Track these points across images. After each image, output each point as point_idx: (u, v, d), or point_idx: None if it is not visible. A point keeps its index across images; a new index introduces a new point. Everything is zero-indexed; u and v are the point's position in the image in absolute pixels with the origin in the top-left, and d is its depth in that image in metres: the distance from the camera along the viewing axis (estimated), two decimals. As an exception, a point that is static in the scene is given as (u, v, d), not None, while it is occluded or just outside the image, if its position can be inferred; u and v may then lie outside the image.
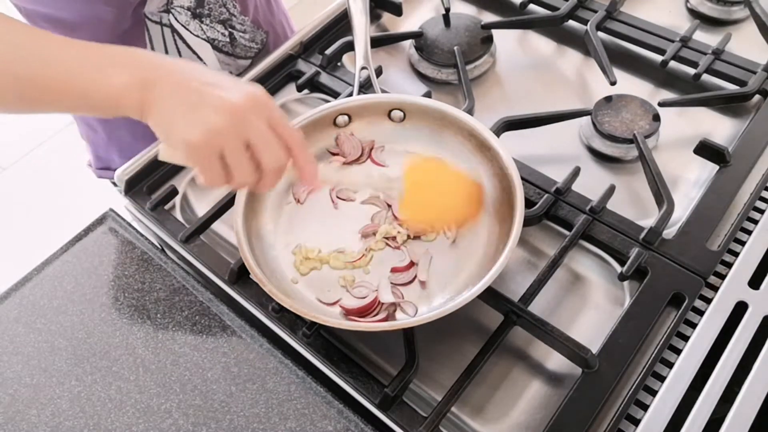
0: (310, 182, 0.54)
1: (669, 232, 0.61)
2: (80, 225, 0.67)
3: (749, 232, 0.60)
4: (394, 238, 0.61)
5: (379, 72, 0.78)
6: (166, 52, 0.80)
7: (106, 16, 0.72)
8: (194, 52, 0.82)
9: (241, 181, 0.49)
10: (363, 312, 0.57)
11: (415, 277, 0.59)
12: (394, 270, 0.59)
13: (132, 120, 0.50)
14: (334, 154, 0.68)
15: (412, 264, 0.59)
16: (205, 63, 0.84)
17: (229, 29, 0.83)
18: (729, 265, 0.58)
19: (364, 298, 0.58)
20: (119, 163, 0.71)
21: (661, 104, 0.71)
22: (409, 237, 0.61)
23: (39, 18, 0.73)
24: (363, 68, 0.72)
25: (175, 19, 0.77)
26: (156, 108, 0.47)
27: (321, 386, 0.55)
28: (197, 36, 0.80)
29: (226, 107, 0.46)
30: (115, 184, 0.74)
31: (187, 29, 0.79)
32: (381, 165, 0.67)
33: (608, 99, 0.72)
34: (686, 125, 0.72)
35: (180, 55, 0.81)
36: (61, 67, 0.49)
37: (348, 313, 0.57)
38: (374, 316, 0.57)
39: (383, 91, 0.72)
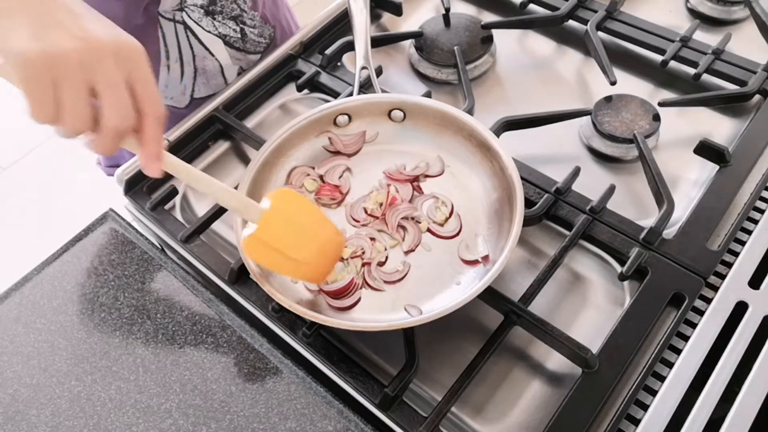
0: (147, 163, 0.46)
1: (669, 232, 0.61)
2: (80, 225, 0.67)
3: (749, 232, 0.60)
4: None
5: (379, 72, 0.78)
6: (179, 47, 0.81)
7: (116, 12, 0.72)
8: (206, 48, 0.83)
9: (71, 125, 0.42)
10: (339, 294, 0.58)
11: (404, 276, 0.60)
12: (380, 263, 0.61)
13: None
14: (332, 152, 0.68)
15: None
16: (217, 58, 0.85)
17: (240, 25, 0.84)
18: (729, 265, 0.58)
19: (342, 280, 0.59)
20: (129, 159, 0.71)
21: (661, 104, 0.71)
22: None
23: None
24: (363, 68, 0.72)
25: (188, 16, 0.78)
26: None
27: (321, 386, 0.55)
28: (209, 32, 0.81)
29: (81, 37, 0.40)
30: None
31: (200, 26, 0.80)
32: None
33: (608, 99, 0.72)
34: (686, 125, 0.72)
35: (192, 51, 0.82)
36: None
37: (327, 294, 0.58)
38: (347, 298, 0.58)
39: (383, 91, 0.72)
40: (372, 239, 0.62)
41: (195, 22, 0.79)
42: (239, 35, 0.84)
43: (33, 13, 0.40)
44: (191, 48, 0.82)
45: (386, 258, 0.61)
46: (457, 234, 0.62)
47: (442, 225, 0.62)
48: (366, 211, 0.64)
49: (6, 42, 0.40)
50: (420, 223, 0.62)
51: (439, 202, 0.64)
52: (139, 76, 0.43)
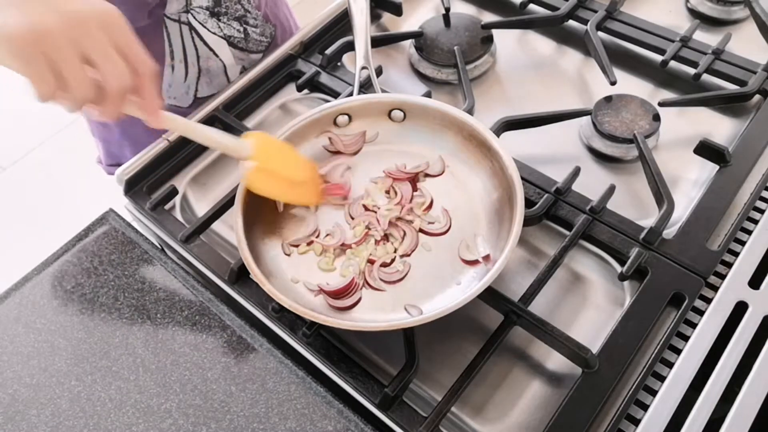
0: (152, 116, 0.49)
1: (669, 232, 0.61)
2: (80, 225, 0.67)
3: (749, 232, 0.60)
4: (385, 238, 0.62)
5: (379, 72, 0.78)
6: (183, 48, 0.81)
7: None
8: (211, 49, 0.83)
9: (75, 94, 0.44)
10: (339, 294, 0.58)
11: (404, 276, 0.59)
12: (383, 264, 0.60)
13: None
14: (332, 152, 0.68)
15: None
16: (221, 59, 0.85)
17: (244, 25, 0.84)
18: (729, 265, 0.58)
19: (344, 277, 0.59)
20: (131, 158, 0.71)
21: (661, 104, 0.71)
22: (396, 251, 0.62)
23: None
24: (363, 68, 0.72)
25: (194, 18, 0.78)
26: None
27: (321, 386, 0.55)
28: (215, 34, 0.82)
29: (64, 11, 0.43)
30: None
31: (205, 27, 0.80)
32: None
33: (608, 99, 0.72)
34: (686, 125, 0.72)
35: (197, 51, 0.83)
36: None
37: (327, 294, 0.58)
38: (348, 298, 0.58)
39: (383, 91, 0.72)
40: (384, 238, 0.62)
41: (200, 23, 0.79)
42: (242, 35, 0.85)
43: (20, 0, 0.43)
44: (196, 49, 0.82)
45: (392, 260, 0.61)
46: (448, 230, 0.62)
47: (422, 217, 0.62)
48: (366, 208, 0.64)
49: (1, 29, 0.42)
50: (413, 222, 0.62)
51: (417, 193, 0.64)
52: (125, 41, 0.46)
